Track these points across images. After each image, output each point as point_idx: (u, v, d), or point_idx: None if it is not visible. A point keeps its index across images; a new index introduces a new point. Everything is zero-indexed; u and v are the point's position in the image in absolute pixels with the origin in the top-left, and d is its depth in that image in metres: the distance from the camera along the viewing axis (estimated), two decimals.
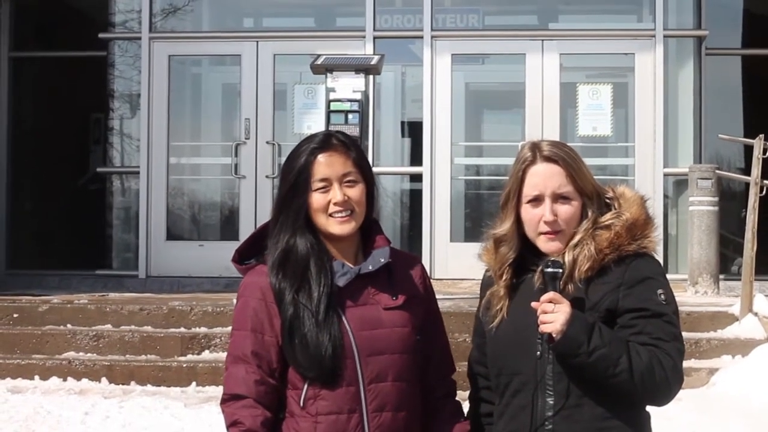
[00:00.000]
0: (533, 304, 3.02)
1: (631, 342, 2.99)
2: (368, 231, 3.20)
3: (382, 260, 3.12)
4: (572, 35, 12.85)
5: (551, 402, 3.04)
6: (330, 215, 3.09)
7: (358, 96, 9.63)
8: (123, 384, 8.27)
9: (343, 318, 3.05)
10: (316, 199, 3.09)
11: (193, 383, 8.22)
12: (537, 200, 3.11)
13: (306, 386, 3.03)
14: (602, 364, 2.94)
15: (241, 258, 3.19)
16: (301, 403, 3.03)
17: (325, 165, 3.09)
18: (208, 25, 13.73)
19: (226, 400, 3.07)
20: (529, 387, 3.07)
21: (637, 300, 3.02)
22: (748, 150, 10.17)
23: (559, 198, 3.09)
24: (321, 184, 3.09)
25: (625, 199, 3.16)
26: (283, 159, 12.55)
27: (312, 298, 3.02)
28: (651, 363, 2.96)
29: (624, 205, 3.14)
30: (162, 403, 7.56)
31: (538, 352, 3.04)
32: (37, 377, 8.37)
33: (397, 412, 3.06)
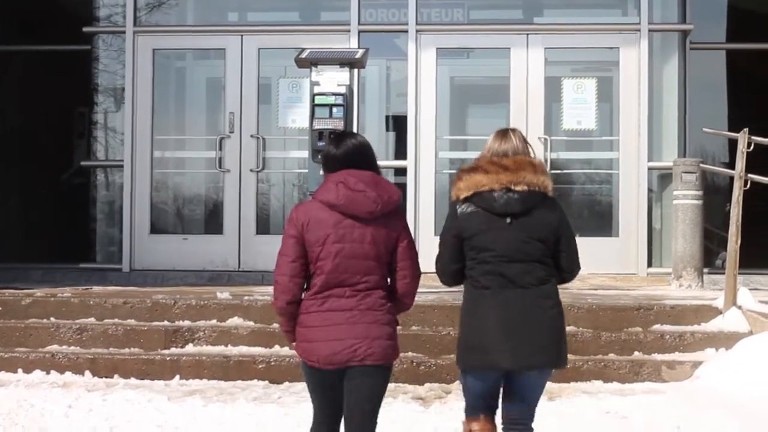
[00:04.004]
0: None
1: None
2: None
3: None
4: (557, 29, 12.84)
5: None
6: None
7: (343, 90, 9.64)
8: (106, 377, 8.24)
9: None
10: None
11: (177, 376, 8.20)
12: None
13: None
14: None
15: None
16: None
17: None
18: (192, 19, 13.68)
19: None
20: None
21: None
22: (733, 144, 10.20)
23: None
24: None
25: None
26: (268, 153, 12.44)
27: None
28: None
29: None
30: (145, 396, 7.53)
31: None
32: (20, 370, 8.34)
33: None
